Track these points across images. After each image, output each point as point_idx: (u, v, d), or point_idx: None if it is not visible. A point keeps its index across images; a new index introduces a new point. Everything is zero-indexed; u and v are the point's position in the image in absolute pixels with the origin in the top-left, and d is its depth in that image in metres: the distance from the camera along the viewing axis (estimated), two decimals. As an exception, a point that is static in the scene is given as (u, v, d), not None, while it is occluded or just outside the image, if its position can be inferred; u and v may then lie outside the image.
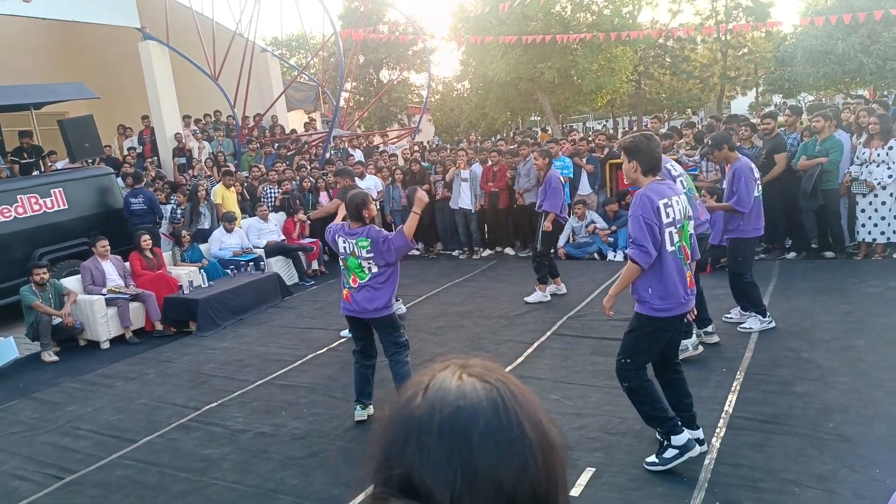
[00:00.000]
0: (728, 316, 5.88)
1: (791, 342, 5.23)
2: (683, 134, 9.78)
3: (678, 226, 3.45)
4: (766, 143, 8.04)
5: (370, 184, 10.15)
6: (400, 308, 6.47)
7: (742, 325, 5.64)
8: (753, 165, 5.49)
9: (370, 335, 4.59)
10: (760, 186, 5.46)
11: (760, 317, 5.57)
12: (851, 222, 7.78)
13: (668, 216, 3.39)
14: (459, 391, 0.62)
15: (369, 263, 4.37)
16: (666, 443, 3.52)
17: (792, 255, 7.97)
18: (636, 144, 3.47)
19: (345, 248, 4.42)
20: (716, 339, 5.36)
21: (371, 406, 4.57)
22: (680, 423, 3.52)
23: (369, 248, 4.31)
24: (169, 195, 10.23)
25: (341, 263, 4.51)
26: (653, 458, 3.57)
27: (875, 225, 7.38)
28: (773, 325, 5.54)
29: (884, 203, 7.28)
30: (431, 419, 0.60)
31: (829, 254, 7.75)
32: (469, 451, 0.58)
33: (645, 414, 3.57)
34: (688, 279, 3.53)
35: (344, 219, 4.64)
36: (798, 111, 9.16)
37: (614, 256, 8.83)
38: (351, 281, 4.43)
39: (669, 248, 3.42)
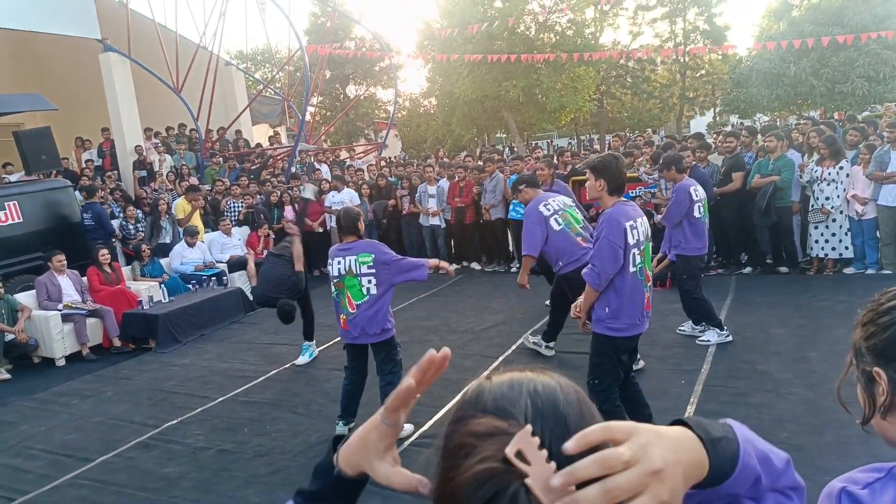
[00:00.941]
0: (681, 328, 6.08)
1: (747, 355, 5.38)
2: (644, 152, 10.02)
3: (641, 247, 3.55)
4: (725, 160, 8.30)
5: (347, 197, 10.16)
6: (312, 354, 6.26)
7: (700, 339, 5.79)
8: (696, 187, 5.64)
9: (366, 356, 4.48)
10: (702, 207, 5.64)
11: (718, 329, 5.74)
12: (804, 238, 8.06)
13: (633, 237, 3.48)
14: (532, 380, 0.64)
15: (369, 282, 4.17)
16: None
17: (748, 269, 8.21)
18: (605, 163, 3.50)
19: (339, 269, 4.21)
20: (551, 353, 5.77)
21: (353, 423, 4.51)
22: None
23: (371, 263, 4.16)
24: (125, 208, 10.03)
25: (334, 289, 4.26)
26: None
27: (826, 241, 7.66)
28: (730, 338, 5.71)
29: (834, 220, 7.56)
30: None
31: (783, 269, 8.01)
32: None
33: None
34: (646, 300, 3.63)
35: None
36: (754, 131, 9.49)
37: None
38: (347, 306, 4.19)
39: (631, 268, 3.50)
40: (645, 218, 3.68)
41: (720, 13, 26.83)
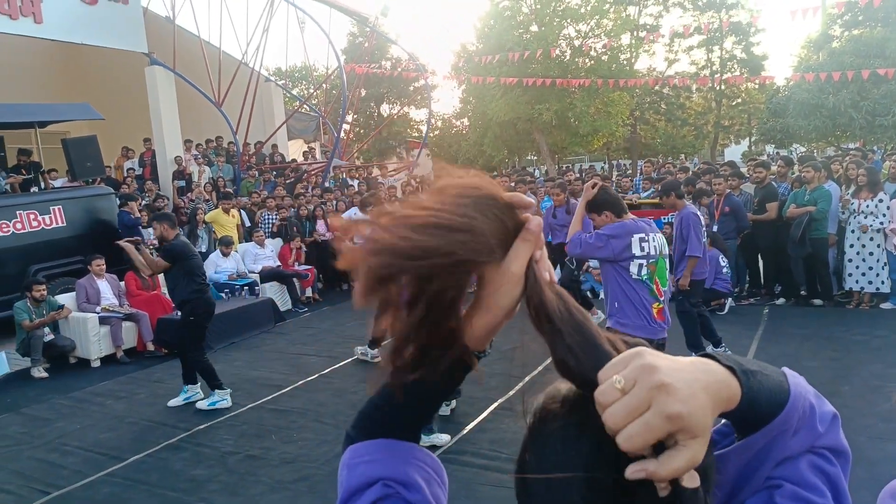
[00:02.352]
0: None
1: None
2: (678, 178, 9.98)
3: (651, 260, 3.68)
4: (757, 190, 8.24)
5: None
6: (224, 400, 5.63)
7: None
8: (697, 212, 5.70)
9: None
10: (704, 232, 5.69)
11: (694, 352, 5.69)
12: (840, 271, 7.93)
13: (642, 250, 3.65)
14: None
15: None
16: None
17: (781, 300, 8.09)
18: (599, 200, 3.77)
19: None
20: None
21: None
22: None
23: None
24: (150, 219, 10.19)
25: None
26: None
27: (863, 274, 7.53)
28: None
29: (871, 253, 7.44)
30: None
31: (817, 301, 7.87)
32: None
33: None
34: (654, 310, 3.75)
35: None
36: (790, 162, 9.41)
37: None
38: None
39: (634, 274, 3.68)
40: (661, 235, 3.81)
41: (758, 42, 26.71)
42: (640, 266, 3.66)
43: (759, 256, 8.40)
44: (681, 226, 5.59)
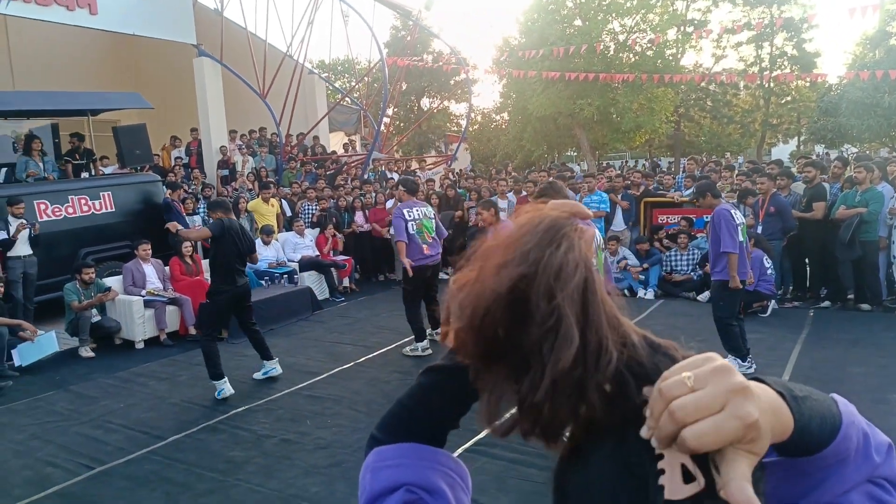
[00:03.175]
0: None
1: (822, 391, 5.14)
2: (722, 176, 9.77)
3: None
4: (806, 191, 8.00)
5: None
6: (274, 369, 6.08)
7: None
8: (734, 210, 5.50)
9: None
10: (742, 231, 5.46)
11: (740, 360, 5.52)
12: (891, 276, 7.65)
13: None
14: None
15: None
16: None
17: (826, 304, 7.85)
18: (544, 191, 4.12)
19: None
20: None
21: None
22: None
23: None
24: (195, 206, 10.44)
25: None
26: None
27: (914, 280, 7.26)
28: (752, 369, 5.48)
29: (924, 258, 7.16)
30: None
31: (865, 306, 7.61)
32: None
33: None
34: None
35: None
36: (846, 162, 9.10)
37: (644, 294, 8.80)
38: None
39: None
40: (597, 231, 3.82)
41: (811, 39, 25.81)
42: None
43: (806, 259, 8.17)
44: (712, 224, 5.48)
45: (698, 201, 5.97)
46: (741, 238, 5.45)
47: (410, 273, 6.40)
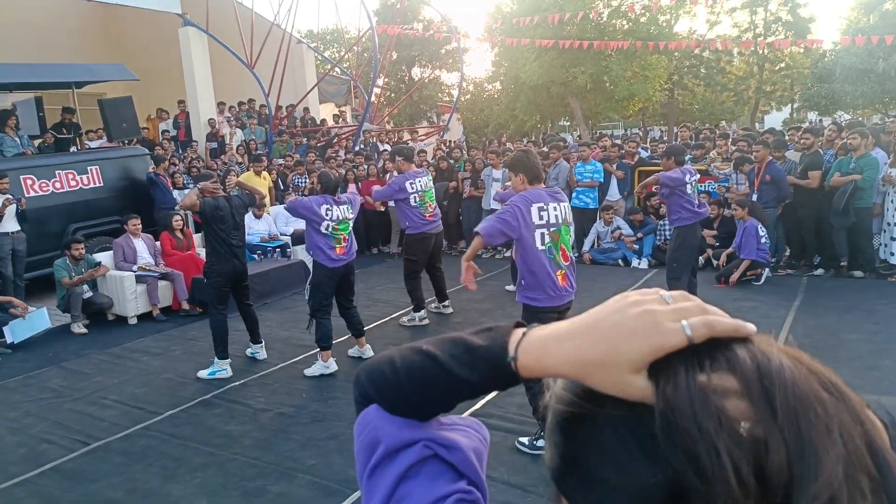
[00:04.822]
0: None
1: (816, 358, 5.17)
2: (717, 144, 9.70)
3: (552, 229, 3.76)
4: (802, 158, 7.96)
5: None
6: (258, 353, 5.90)
7: None
8: (689, 169, 5.96)
9: None
10: (693, 188, 5.89)
11: None
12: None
13: (540, 218, 3.74)
14: None
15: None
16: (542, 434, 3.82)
17: (820, 271, 7.87)
18: (517, 160, 3.93)
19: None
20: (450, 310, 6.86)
21: None
22: None
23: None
24: (190, 179, 10.32)
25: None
26: (525, 440, 3.92)
27: (907, 246, 7.27)
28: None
29: (918, 224, 7.17)
30: None
31: (858, 273, 7.64)
32: None
33: (536, 409, 3.76)
34: (559, 277, 3.84)
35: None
36: (841, 128, 9.04)
37: (639, 263, 8.80)
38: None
39: (540, 246, 3.75)
40: (566, 205, 3.90)
41: (805, 4, 25.52)
42: (543, 235, 3.75)
43: (800, 226, 8.16)
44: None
45: (663, 162, 6.23)
46: (690, 191, 5.82)
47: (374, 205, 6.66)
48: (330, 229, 5.27)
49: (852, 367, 4.94)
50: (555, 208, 3.79)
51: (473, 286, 3.95)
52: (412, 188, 6.35)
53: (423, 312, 6.63)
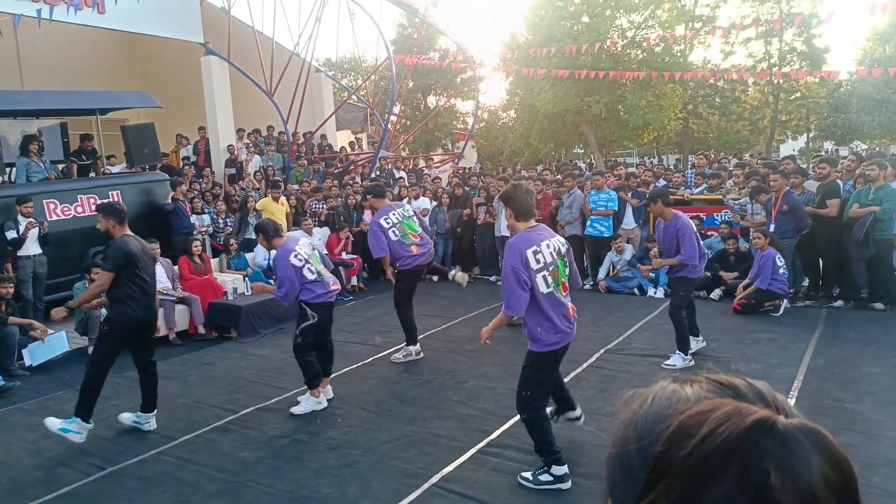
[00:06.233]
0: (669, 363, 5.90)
1: (836, 392, 5.10)
2: (733, 174, 9.68)
3: (551, 268, 3.71)
4: (820, 187, 7.92)
5: (422, 205, 10.70)
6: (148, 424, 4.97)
7: (666, 363, 5.82)
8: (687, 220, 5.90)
9: None
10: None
11: (682, 354, 5.78)
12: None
13: (538, 262, 3.67)
14: None
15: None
16: (545, 468, 3.79)
17: (839, 303, 7.78)
18: (505, 194, 3.85)
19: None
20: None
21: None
22: (562, 458, 3.79)
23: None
24: (216, 203, 10.46)
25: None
26: (528, 475, 3.83)
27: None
28: (692, 363, 5.73)
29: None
30: None
31: (878, 305, 7.54)
32: None
33: (537, 443, 3.81)
34: (570, 311, 3.83)
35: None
36: (861, 158, 9.00)
37: (654, 293, 8.74)
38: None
39: (545, 290, 3.69)
40: (557, 238, 3.85)
41: (820, 34, 25.59)
42: (545, 278, 3.69)
43: (819, 257, 8.09)
44: (676, 235, 5.67)
45: (650, 206, 6.20)
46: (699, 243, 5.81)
47: (392, 280, 6.44)
48: (315, 272, 5.35)
49: (874, 401, 4.86)
50: (547, 245, 3.73)
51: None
52: (387, 223, 6.19)
53: (417, 346, 6.45)
